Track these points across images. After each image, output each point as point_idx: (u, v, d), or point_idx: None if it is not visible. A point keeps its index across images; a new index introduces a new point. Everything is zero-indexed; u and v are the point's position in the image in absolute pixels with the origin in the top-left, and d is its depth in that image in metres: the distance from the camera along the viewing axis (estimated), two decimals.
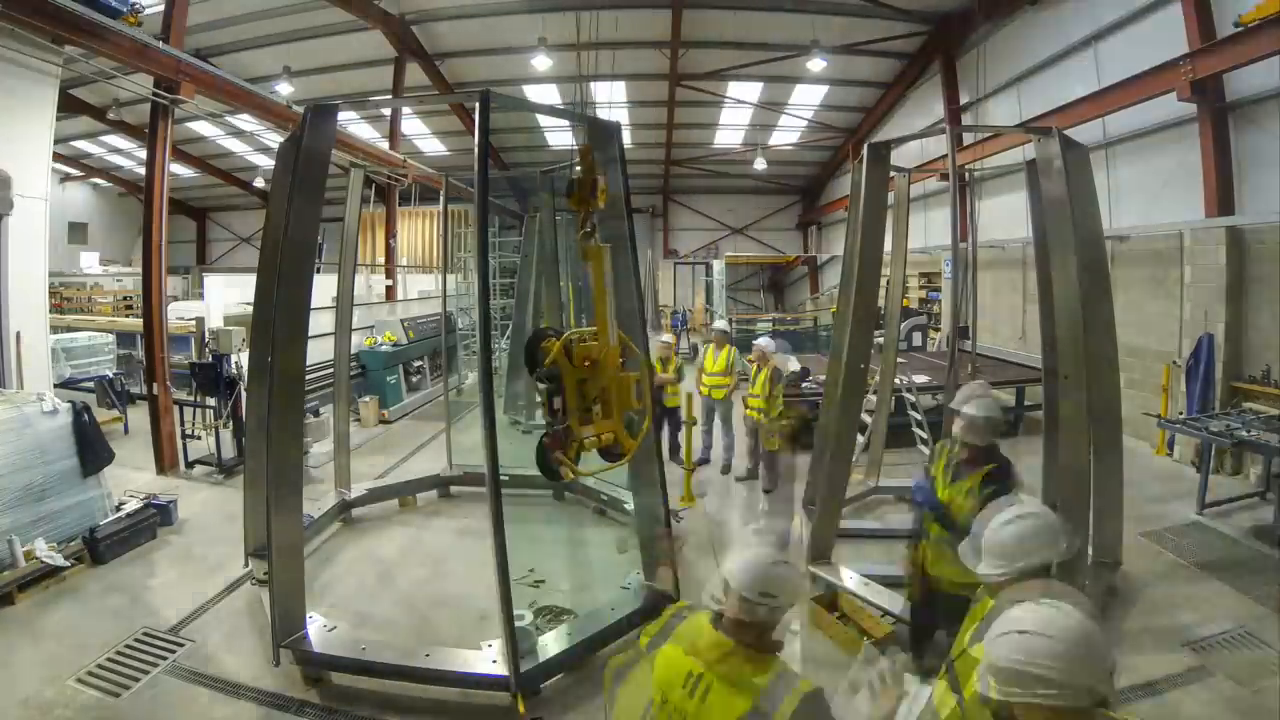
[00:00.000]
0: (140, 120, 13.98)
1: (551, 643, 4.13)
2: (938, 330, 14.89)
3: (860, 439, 6.50)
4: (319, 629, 4.25)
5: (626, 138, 16.95)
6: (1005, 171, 11.63)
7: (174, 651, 4.37)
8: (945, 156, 7.84)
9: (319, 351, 7.66)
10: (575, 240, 4.05)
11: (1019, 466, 3.69)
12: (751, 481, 7.49)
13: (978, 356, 8.70)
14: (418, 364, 12.17)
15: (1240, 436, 5.99)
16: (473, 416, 8.85)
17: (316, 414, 8.78)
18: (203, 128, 17.79)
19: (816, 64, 13.37)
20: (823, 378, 7.25)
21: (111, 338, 11.87)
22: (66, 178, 21.64)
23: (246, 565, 5.32)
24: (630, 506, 5.80)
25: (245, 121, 15.20)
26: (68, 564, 5.28)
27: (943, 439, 4.03)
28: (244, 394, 7.81)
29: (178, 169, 20.26)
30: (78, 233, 22.79)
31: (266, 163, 19.96)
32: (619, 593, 4.80)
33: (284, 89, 13.75)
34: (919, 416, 7.50)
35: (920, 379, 8.50)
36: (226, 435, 8.10)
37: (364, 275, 13.46)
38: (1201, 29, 7.71)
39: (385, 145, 14.68)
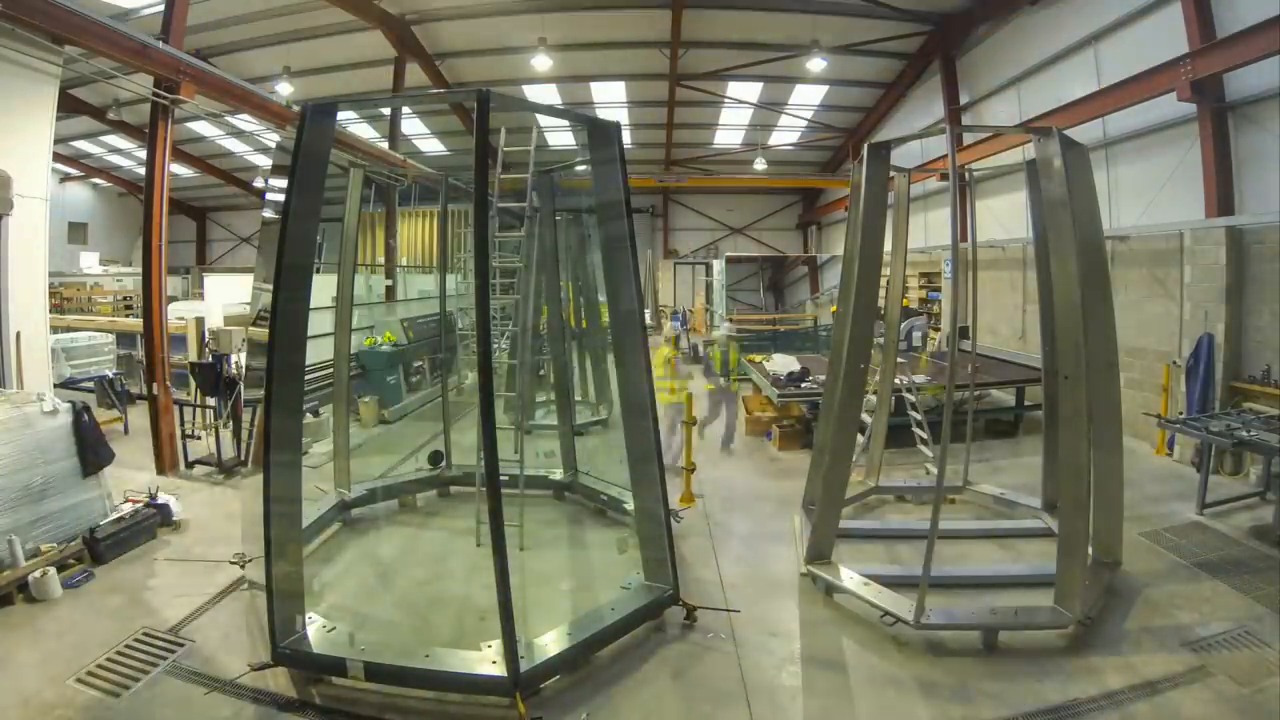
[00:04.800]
0: (140, 120, 13.99)
1: (551, 643, 4.13)
2: (938, 330, 14.89)
3: (860, 439, 6.50)
4: (318, 629, 4.26)
5: (626, 138, 17.01)
6: (1005, 171, 11.63)
7: (174, 651, 4.37)
8: (945, 156, 7.84)
9: (318, 351, 7.67)
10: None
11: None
12: None
13: (978, 356, 8.69)
14: (418, 364, 12.17)
15: (1240, 436, 5.98)
16: (472, 417, 8.85)
17: (316, 414, 8.79)
18: (203, 128, 17.79)
19: (816, 64, 13.37)
20: (823, 378, 7.26)
21: (111, 338, 11.87)
22: (66, 178, 21.65)
23: (242, 568, 5.30)
24: (630, 506, 5.80)
25: (245, 121, 15.20)
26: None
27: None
28: (244, 394, 7.84)
29: (178, 169, 20.26)
30: (78, 233, 22.79)
31: (267, 163, 19.95)
32: (619, 593, 4.80)
33: (284, 89, 13.75)
34: (919, 416, 7.49)
35: (920, 379, 8.50)
36: (226, 435, 8.11)
37: (364, 275, 13.46)
38: (1201, 29, 7.71)
39: (385, 145, 14.67)
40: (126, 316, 15.53)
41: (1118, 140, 9.82)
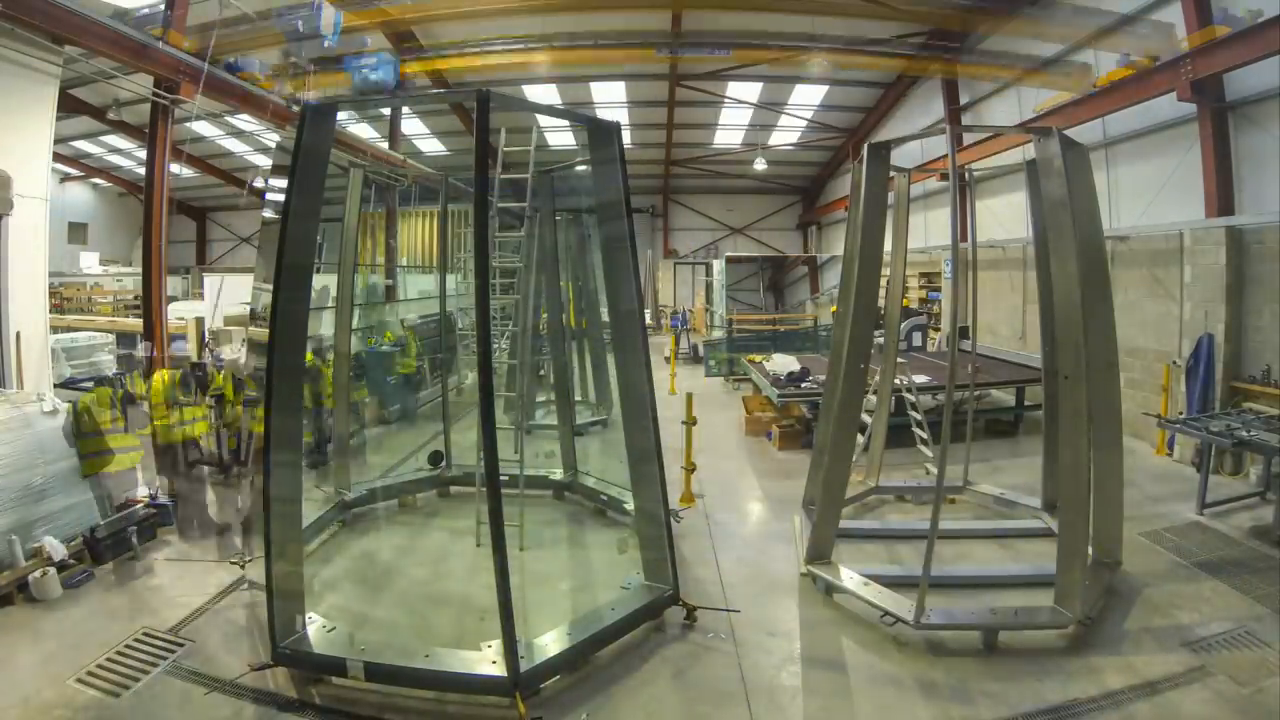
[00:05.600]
0: (140, 120, 13.99)
1: (551, 643, 4.13)
2: (938, 330, 14.89)
3: (860, 439, 6.50)
4: (318, 629, 4.26)
5: (626, 138, 16.99)
6: (1005, 171, 11.63)
7: (174, 651, 4.37)
8: (945, 156, 7.84)
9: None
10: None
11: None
12: None
13: (978, 356, 8.69)
14: (418, 364, 12.15)
15: (1240, 436, 5.98)
16: (472, 416, 8.87)
17: None
18: (203, 128, 17.77)
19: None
20: (823, 378, 7.26)
21: (111, 338, 11.86)
22: (66, 178, 21.64)
23: (242, 568, 5.30)
24: (630, 506, 5.81)
25: (245, 122, 15.21)
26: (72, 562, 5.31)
27: None
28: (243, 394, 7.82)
29: (178, 169, 20.23)
30: (78, 233, 22.78)
31: (267, 163, 19.93)
32: (619, 593, 4.81)
33: (284, 89, 13.72)
34: (919, 416, 7.49)
35: (920, 379, 8.50)
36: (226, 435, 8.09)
37: (364, 275, 13.43)
38: (1201, 29, 7.70)
39: (385, 145, 14.67)
40: (128, 317, 15.52)
41: (1118, 140, 9.82)
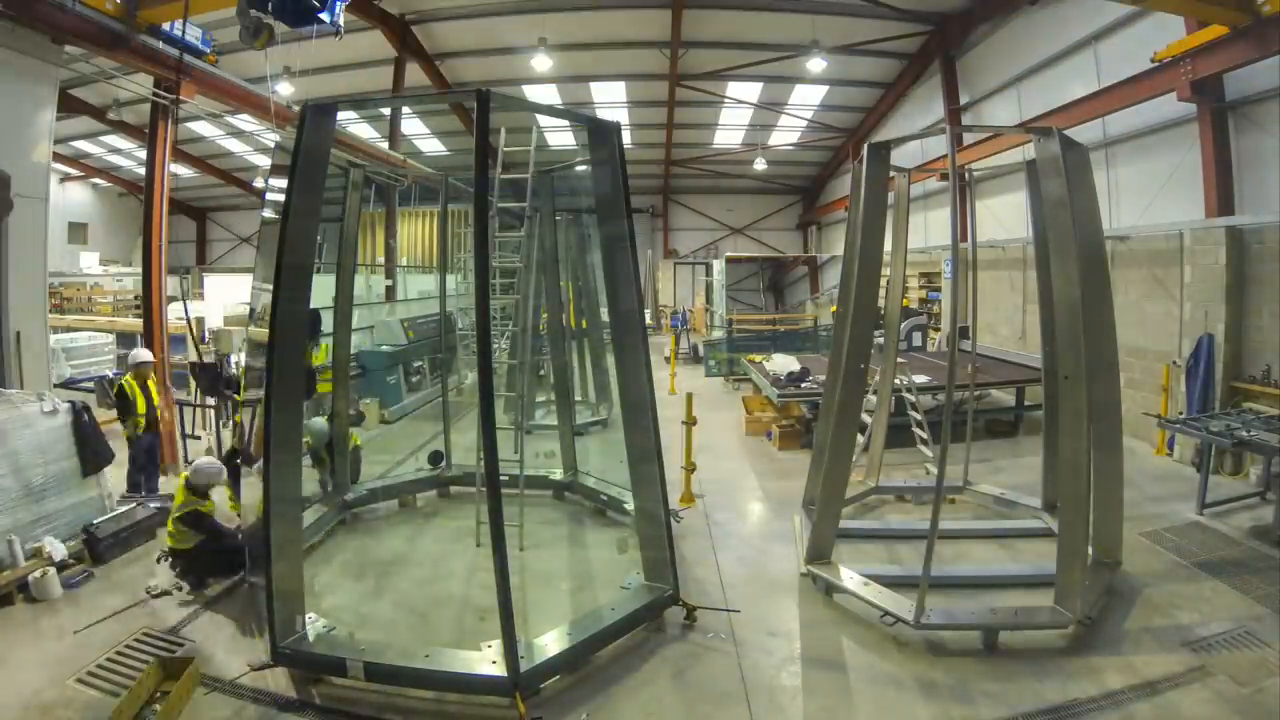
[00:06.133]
0: (140, 120, 14.01)
1: (551, 643, 4.13)
2: (938, 330, 14.89)
3: (860, 439, 6.50)
4: (318, 629, 4.26)
5: (626, 138, 17.02)
6: (1005, 171, 11.63)
7: (174, 651, 4.36)
8: (945, 156, 7.83)
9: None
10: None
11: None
12: None
13: (978, 356, 8.69)
14: (418, 364, 12.16)
15: (1240, 436, 5.98)
16: (472, 417, 8.87)
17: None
18: (203, 128, 17.79)
19: (816, 64, 13.37)
20: (823, 378, 7.26)
21: (111, 338, 11.88)
22: (66, 178, 21.65)
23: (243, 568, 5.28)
24: (630, 506, 5.81)
25: (245, 121, 15.21)
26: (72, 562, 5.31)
27: None
28: (244, 394, 7.82)
29: (178, 169, 20.26)
30: (78, 233, 22.78)
31: (267, 163, 19.94)
32: (619, 593, 4.81)
33: (284, 89, 13.74)
34: (919, 416, 7.49)
35: (920, 379, 8.50)
36: (227, 435, 8.10)
37: (364, 275, 13.46)
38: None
39: (385, 145, 14.67)
40: (129, 317, 15.53)
41: (1118, 140, 9.82)
